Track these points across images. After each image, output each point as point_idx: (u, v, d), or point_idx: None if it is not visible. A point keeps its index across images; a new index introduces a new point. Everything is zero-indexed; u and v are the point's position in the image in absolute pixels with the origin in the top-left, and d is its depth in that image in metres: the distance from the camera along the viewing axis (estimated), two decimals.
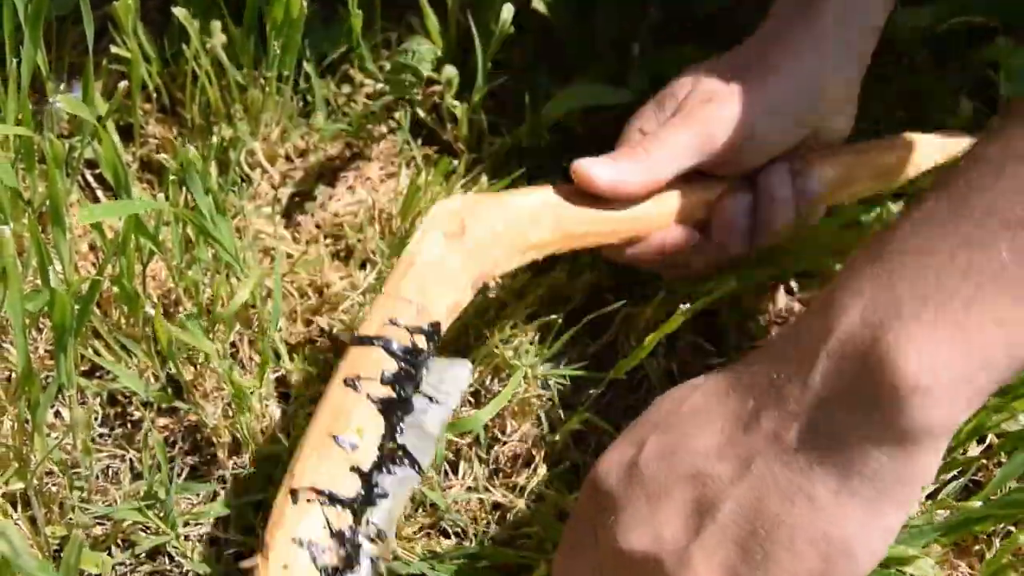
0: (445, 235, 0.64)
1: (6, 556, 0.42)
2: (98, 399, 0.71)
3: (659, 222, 0.71)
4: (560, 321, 0.73)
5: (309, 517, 0.55)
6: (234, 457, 0.70)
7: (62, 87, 0.82)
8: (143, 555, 0.66)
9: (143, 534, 0.66)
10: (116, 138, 0.76)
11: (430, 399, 0.62)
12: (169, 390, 0.71)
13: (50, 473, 0.67)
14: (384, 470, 0.59)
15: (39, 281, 0.63)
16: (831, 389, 0.49)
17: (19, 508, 0.65)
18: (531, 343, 0.74)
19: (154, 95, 0.84)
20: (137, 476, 0.68)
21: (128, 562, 0.66)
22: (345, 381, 0.60)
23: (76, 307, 0.61)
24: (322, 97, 0.86)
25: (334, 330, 0.74)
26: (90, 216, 0.59)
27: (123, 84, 0.71)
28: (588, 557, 0.56)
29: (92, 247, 0.78)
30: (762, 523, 0.49)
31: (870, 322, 0.48)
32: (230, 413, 0.70)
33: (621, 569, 0.53)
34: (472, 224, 0.65)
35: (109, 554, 0.65)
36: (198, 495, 0.68)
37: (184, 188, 0.68)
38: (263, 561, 0.54)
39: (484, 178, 0.82)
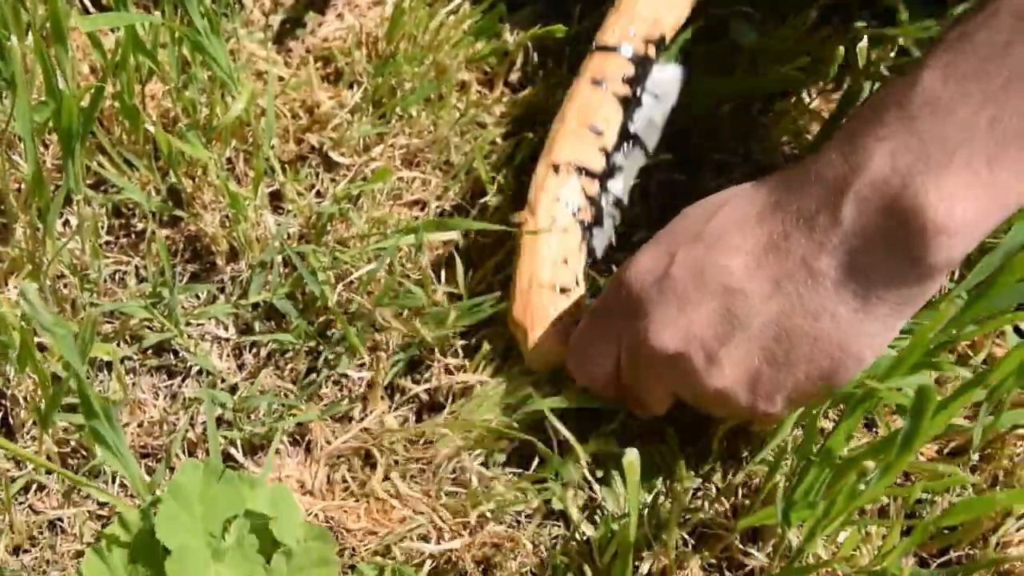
0: None
1: (26, 312, 0.47)
2: (103, 210, 0.75)
3: None
4: (532, 137, 0.77)
5: (568, 184, 0.71)
6: (231, 264, 0.75)
7: None
8: (150, 351, 0.72)
9: (149, 331, 0.71)
10: None
11: (655, 96, 0.75)
12: (170, 202, 0.75)
13: (61, 276, 0.72)
14: (621, 152, 0.74)
15: (43, 98, 0.67)
16: (860, 226, 0.55)
17: None
18: (508, 157, 0.78)
19: None
20: (142, 281, 0.74)
21: (135, 356, 0.71)
22: (593, 80, 0.74)
23: (80, 118, 0.65)
24: None
25: (324, 147, 0.79)
26: (90, 24, 0.63)
27: None
28: (608, 349, 0.64)
29: (92, 69, 0.81)
30: (787, 334, 0.57)
31: (899, 169, 0.53)
32: (227, 223, 0.75)
33: (648, 363, 0.61)
34: None
35: (117, 347, 0.71)
36: (199, 297, 0.74)
37: (179, 8, 0.71)
38: (531, 217, 0.70)
39: (467, 5, 0.85)
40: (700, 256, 0.59)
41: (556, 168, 0.71)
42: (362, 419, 0.70)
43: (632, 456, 0.47)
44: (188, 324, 0.72)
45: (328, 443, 0.69)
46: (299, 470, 0.69)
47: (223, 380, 0.71)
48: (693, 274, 0.59)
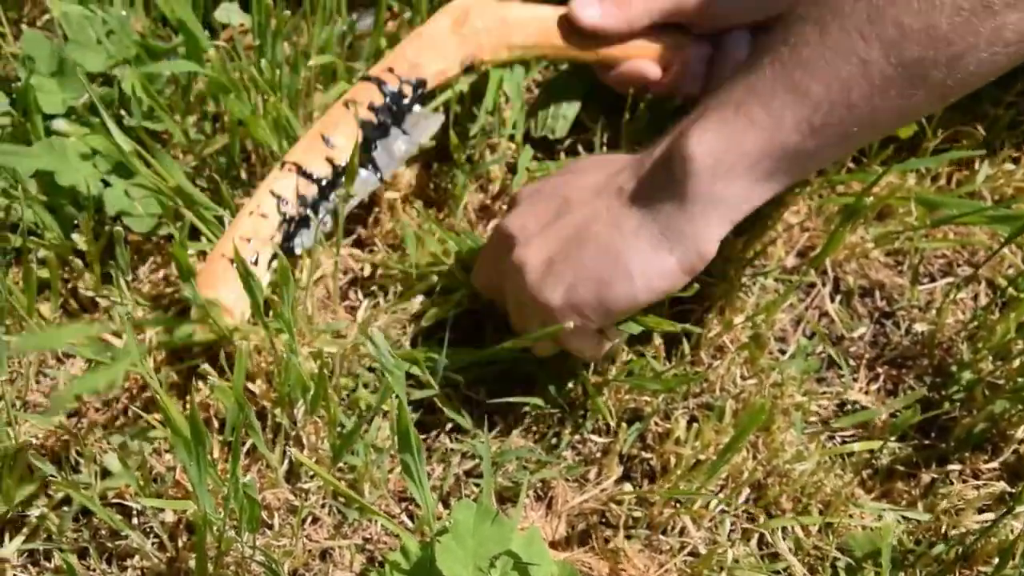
0: (451, 21, 0.86)
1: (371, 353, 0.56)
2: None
3: (626, 55, 0.88)
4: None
5: (284, 180, 0.81)
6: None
7: None
8: (410, 407, 0.79)
9: (412, 388, 0.79)
10: None
11: (403, 131, 0.85)
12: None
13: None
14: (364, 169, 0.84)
15: None
16: (656, 161, 0.71)
17: None
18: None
19: None
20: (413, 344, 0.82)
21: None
22: (345, 101, 0.84)
23: None
24: None
25: None
26: None
27: None
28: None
29: None
30: (583, 234, 0.71)
31: (684, 126, 0.70)
32: None
33: (496, 243, 0.76)
34: (473, 18, 0.87)
35: None
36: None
37: None
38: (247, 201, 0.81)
39: None
40: (565, 178, 0.76)
41: (283, 165, 0.81)
42: (599, 482, 0.77)
43: None
44: (444, 385, 0.80)
45: (567, 501, 0.76)
46: (540, 523, 0.76)
47: (474, 436, 0.79)
48: (554, 189, 0.75)
